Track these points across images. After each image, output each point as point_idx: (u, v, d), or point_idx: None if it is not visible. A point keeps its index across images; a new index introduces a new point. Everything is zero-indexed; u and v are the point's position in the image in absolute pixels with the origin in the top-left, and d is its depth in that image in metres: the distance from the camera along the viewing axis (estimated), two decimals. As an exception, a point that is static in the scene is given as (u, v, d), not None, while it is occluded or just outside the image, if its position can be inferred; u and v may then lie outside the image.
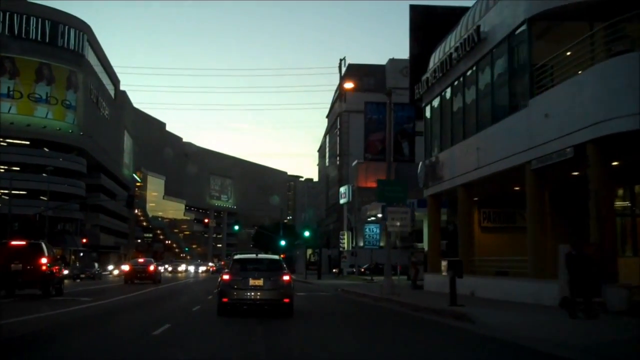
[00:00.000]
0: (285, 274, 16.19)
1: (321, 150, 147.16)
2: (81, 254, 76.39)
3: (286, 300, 15.89)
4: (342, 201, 52.52)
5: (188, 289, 36.98)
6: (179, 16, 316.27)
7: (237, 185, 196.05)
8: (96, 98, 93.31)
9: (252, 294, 15.78)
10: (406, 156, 26.45)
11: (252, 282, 15.73)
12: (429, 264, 27.55)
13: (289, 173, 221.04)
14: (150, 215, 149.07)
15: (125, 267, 43.63)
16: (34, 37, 79.80)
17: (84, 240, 76.26)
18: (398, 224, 22.24)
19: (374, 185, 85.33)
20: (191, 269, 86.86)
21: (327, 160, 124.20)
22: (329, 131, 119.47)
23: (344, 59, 58.95)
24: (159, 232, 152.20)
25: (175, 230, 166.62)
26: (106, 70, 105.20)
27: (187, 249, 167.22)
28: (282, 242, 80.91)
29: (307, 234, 53.41)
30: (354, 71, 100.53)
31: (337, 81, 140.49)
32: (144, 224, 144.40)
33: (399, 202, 23.13)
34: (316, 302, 22.95)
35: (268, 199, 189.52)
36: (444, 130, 27.79)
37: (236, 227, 76.84)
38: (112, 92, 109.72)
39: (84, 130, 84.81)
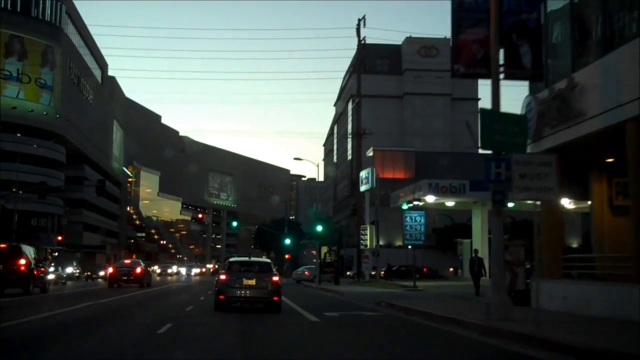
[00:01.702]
0: (275, 276, 18.14)
1: (327, 144, 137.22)
2: (55, 254, 66.17)
3: (275, 298, 17.78)
4: (363, 188, 42.31)
5: (173, 295, 30.68)
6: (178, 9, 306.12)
7: (237, 183, 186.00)
8: (77, 79, 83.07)
9: (246, 292, 17.72)
10: (527, 69, 15.35)
11: (245, 281, 17.69)
12: (545, 266, 16.34)
13: (290, 173, 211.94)
14: (143, 213, 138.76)
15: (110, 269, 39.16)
16: (2, 5, 69.65)
17: (59, 238, 66.12)
18: (535, 187, 11.38)
19: (391, 176, 74.94)
20: (183, 270, 76.72)
21: (335, 151, 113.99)
22: (337, 119, 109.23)
23: (364, 18, 48.13)
24: (153, 231, 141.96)
25: (172, 230, 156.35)
26: (92, 52, 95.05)
27: (186, 250, 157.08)
28: (287, 241, 71.09)
29: (319, 228, 43.21)
30: (366, 51, 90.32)
31: (343, 70, 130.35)
32: (137, 222, 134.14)
33: (514, 150, 12.85)
34: (384, 346, 12.18)
35: (270, 198, 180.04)
36: (585, 31, 16.44)
37: (234, 224, 67.18)
38: (98, 77, 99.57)
39: (63, 114, 74.52)
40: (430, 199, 36.71)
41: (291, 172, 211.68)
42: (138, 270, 36.39)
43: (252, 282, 17.60)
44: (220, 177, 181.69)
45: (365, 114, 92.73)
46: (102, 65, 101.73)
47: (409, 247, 30.43)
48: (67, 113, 75.90)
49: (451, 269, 61.12)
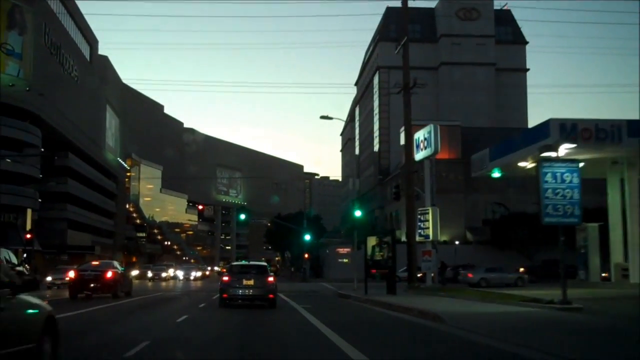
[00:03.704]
0: (270, 277, 21.02)
1: (346, 133, 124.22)
2: (24, 255, 53.45)
3: (271, 295, 20.55)
4: (420, 155, 29.49)
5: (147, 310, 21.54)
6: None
7: (247, 179, 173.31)
8: (56, 49, 70.47)
9: (245, 291, 20.49)
10: None
11: (245, 282, 20.57)
12: None
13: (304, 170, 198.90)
14: (145, 211, 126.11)
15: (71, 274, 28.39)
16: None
17: (28, 236, 53.34)
18: None
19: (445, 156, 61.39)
20: (180, 274, 63.81)
21: (357, 136, 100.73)
22: (359, 100, 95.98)
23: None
24: (155, 231, 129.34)
25: (177, 230, 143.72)
26: (78, 26, 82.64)
27: (193, 252, 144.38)
28: (307, 237, 58.50)
29: (358, 213, 30.48)
30: (393, 17, 77.27)
31: (359, 57, 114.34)
32: (138, 221, 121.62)
33: None
34: None
35: (282, 194, 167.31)
36: None
37: (242, 217, 54.70)
38: (86, 53, 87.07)
39: (35, 87, 61.83)
40: (566, 149, 20.38)
41: (301, 171, 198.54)
42: (109, 274, 27.11)
43: (251, 282, 20.43)
44: (229, 172, 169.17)
45: (392, 88, 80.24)
46: (91, 41, 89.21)
47: (556, 225, 16.67)
48: (42, 88, 63.22)
49: (521, 269, 48.10)
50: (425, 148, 30.97)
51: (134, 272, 58.54)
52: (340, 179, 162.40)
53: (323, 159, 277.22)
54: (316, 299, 28.33)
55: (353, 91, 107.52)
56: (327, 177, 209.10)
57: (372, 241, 27.07)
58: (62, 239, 73.23)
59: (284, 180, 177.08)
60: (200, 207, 53.60)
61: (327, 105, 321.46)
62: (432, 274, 31.54)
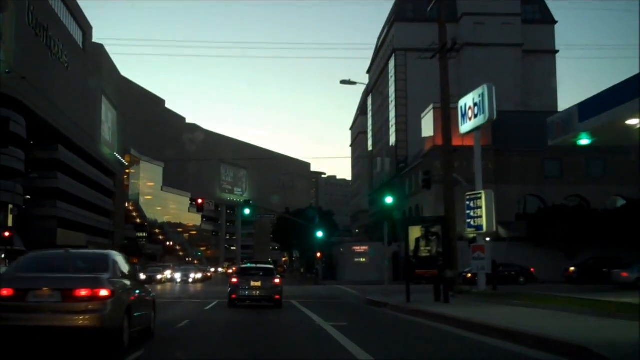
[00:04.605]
0: (276, 278, 21.86)
1: (356, 127, 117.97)
2: (2, 256, 47.31)
3: (277, 297, 21.27)
4: (467, 126, 22.99)
5: None
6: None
7: (253, 177, 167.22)
8: (42, 30, 64.39)
9: (253, 292, 21.31)
10: None
11: (252, 283, 21.32)
12: None
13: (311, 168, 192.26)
14: (145, 210, 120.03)
15: None
16: None
17: (7, 234, 47.18)
18: None
19: (458, 143, 55.46)
20: (177, 276, 57.52)
21: (369, 127, 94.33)
22: (372, 88, 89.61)
23: None
24: (157, 231, 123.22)
25: (179, 230, 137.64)
26: (70, 10, 76.63)
27: (199, 253, 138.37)
28: (320, 234, 52.38)
29: (389, 200, 24.39)
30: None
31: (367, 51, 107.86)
32: (138, 220, 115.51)
33: None
34: None
35: (289, 193, 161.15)
36: None
37: (247, 211, 48.47)
38: (79, 40, 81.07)
39: (17, 70, 55.74)
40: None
41: (308, 169, 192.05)
42: None
43: (258, 284, 21.26)
44: (233, 170, 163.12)
45: (410, 72, 73.83)
46: (85, 27, 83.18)
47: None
48: (24, 71, 57.12)
49: (572, 268, 41.89)
50: (476, 116, 24.64)
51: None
52: (346, 179, 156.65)
53: (329, 159, 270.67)
54: (342, 309, 22.12)
55: (359, 91, 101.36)
56: (334, 177, 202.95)
57: (414, 232, 20.68)
58: (51, 238, 67.01)
59: (290, 179, 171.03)
60: (200, 200, 47.30)
61: (331, 104, 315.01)
62: (484, 275, 25.22)
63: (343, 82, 31.25)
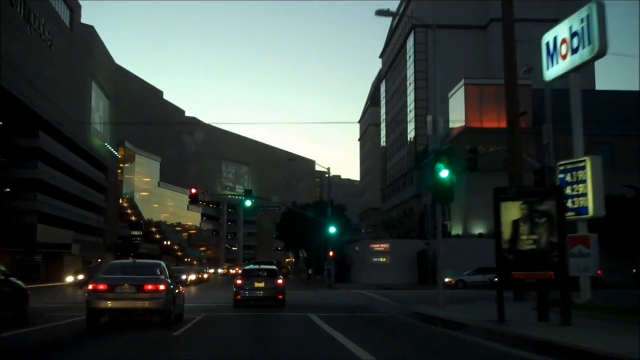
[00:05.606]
0: (279, 279, 22.88)
1: (365, 120, 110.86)
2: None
3: (280, 297, 22.40)
4: (560, 67, 15.82)
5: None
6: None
7: (255, 174, 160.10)
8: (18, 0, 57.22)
9: (257, 292, 22.32)
10: None
11: (256, 284, 22.43)
12: None
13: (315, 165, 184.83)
14: (141, 207, 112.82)
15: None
16: None
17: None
18: None
19: (494, 124, 48.10)
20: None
21: (383, 115, 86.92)
22: (386, 73, 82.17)
23: None
24: (153, 229, 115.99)
25: (177, 229, 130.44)
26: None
27: (195, 252, 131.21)
28: (332, 229, 45.26)
29: (444, 173, 16.82)
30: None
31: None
32: (133, 218, 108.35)
33: None
34: None
35: (294, 190, 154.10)
36: None
37: (247, 203, 41.32)
38: (66, 19, 73.89)
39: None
40: None
41: (312, 167, 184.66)
42: None
43: (262, 284, 22.41)
44: (235, 166, 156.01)
45: (432, 50, 66.57)
46: (72, 5, 75.93)
47: None
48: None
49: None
50: (575, 51, 17.29)
51: (80, 276, 45.34)
52: (351, 178, 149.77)
53: (334, 160, 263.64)
54: (394, 333, 14.27)
55: (366, 91, 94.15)
56: (339, 176, 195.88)
57: (510, 212, 13.24)
58: (30, 235, 59.87)
59: (294, 177, 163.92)
60: (193, 190, 40.47)
61: (337, 103, 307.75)
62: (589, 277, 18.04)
63: (379, 12, 24.15)
